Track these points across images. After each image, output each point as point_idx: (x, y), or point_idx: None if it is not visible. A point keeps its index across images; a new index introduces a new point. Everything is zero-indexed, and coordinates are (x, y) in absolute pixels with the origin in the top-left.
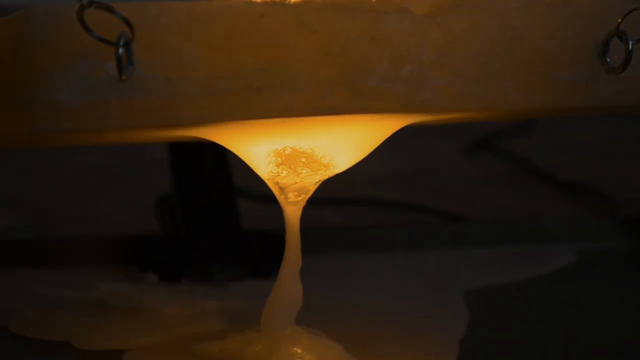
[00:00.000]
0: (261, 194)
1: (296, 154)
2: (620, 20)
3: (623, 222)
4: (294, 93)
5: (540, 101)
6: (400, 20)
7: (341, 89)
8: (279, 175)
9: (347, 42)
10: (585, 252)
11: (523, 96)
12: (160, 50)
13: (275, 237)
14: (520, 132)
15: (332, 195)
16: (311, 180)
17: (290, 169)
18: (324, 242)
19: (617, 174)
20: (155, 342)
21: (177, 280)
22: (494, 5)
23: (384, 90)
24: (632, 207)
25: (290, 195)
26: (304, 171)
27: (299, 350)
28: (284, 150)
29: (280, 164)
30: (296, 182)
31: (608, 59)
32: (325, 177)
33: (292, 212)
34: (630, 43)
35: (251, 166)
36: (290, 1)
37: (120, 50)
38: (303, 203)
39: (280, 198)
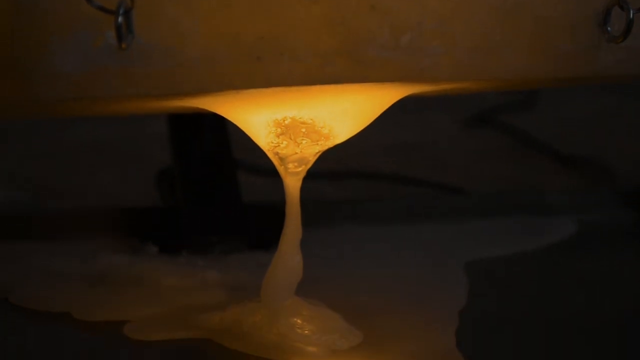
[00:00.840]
0: (261, 167)
1: (296, 124)
2: None
3: (623, 194)
4: (294, 62)
5: (540, 70)
6: None
7: (341, 57)
8: (279, 145)
9: (347, 10)
10: (586, 223)
11: (523, 65)
12: (159, 19)
13: (275, 210)
14: (520, 106)
15: (331, 168)
16: (311, 151)
17: (291, 139)
18: (324, 215)
19: (617, 146)
20: (156, 313)
21: (177, 252)
22: None
23: (384, 59)
24: (632, 179)
25: (290, 165)
26: (304, 141)
27: (298, 321)
28: (284, 120)
29: (281, 134)
30: (296, 153)
31: (609, 28)
32: (326, 148)
33: (292, 182)
34: (631, 12)
35: (251, 137)
36: None
37: (120, 19)
38: (303, 174)
39: (280, 169)
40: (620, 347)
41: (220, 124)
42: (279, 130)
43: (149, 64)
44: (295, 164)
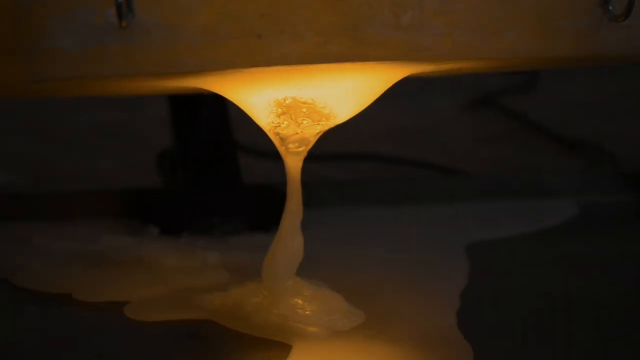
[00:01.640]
0: (261, 149)
1: (297, 104)
2: None
3: (624, 176)
4: (294, 40)
5: (541, 50)
6: None
7: (342, 36)
8: (279, 125)
9: None
10: (587, 206)
11: (524, 45)
12: None
13: (275, 192)
14: (521, 89)
15: (333, 150)
16: (312, 131)
17: (291, 119)
18: (326, 196)
19: (617, 129)
20: (156, 294)
21: (178, 233)
22: None
23: (384, 37)
24: (633, 162)
25: (291, 146)
26: (304, 122)
27: (299, 301)
28: (284, 100)
29: (281, 114)
30: (297, 133)
31: (610, 7)
32: (326, 128)
33: (293, 163)
34: None
35: (252, 116)
36: None
37: None
38: (304, 154)
39: (281, 149)
40: (620, 328)
41: (221, 105)
42: (279, 110)
43: (149, 42)
44: (296, 144)
